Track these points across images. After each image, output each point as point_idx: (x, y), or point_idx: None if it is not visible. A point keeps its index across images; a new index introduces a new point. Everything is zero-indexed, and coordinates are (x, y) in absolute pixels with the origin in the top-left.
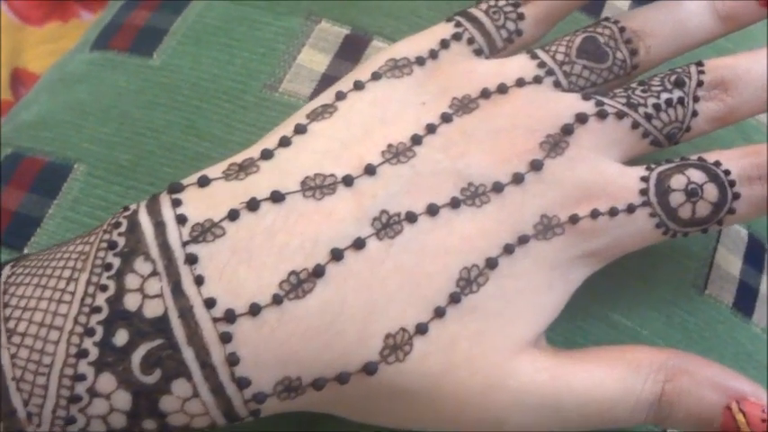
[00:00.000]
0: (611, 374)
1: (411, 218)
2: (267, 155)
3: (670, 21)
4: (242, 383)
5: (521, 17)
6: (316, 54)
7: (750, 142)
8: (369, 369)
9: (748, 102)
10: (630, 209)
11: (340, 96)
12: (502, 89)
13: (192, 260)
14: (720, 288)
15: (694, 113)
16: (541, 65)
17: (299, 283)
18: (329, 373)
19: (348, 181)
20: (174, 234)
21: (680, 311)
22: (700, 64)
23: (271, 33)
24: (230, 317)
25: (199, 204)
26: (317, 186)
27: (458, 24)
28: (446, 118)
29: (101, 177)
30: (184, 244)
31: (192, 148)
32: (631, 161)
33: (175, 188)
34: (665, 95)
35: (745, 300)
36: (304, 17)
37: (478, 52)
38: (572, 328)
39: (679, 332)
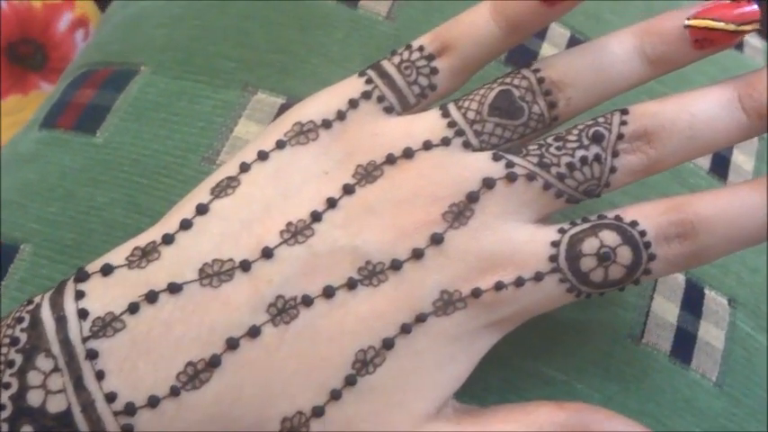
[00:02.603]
0: None
1: (307, 301)
2: (168, 240)
3: (593, 68)
4: None
5: (434, 71)
6: (251, 125)
7: (685, 186)
8: None
9: (673, 153)
10: (538, 277)
11: (244, 168)
12: (408, 154)
13: (92, 355)
14: (657, 336)
15: (612, 169)
16: (451, 124)
17: (196, 374)
18: None
19: (245, 266)
20: (74, 329)
21: (616, 363)
22: (624, 111)
23: (209, 107)
24: (130, 410)
25: (101, 295)
26: (214, 273)
27: (368, 81)
28: (348, 190)
29: (46, 257)
30: (85, 339)
31: (134, 225)
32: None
33: (81, 277)
34: (580, 153)
35: (683, 347)
36: (241, 89)
37: (389, 110)
38: (505, 387)
39: (616, 384)
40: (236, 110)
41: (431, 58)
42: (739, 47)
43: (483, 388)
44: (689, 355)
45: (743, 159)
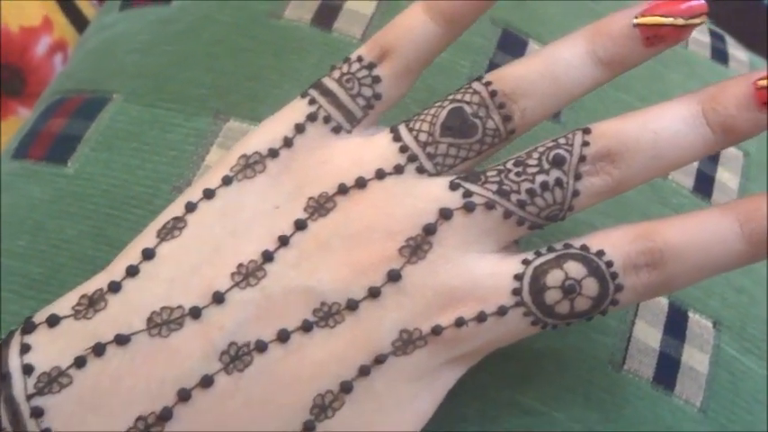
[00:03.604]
0: None
1: (261, 347)
2: (115, 288)
3: (547, 77)
4: None
5: (376, 80)
6: (223, 153)
7: (668, 206)
8: None
9: (638, 173)
10: (502, 311)
11: (190, 208)
12: (360, 183)
13: (37, 414)
14: (639, 362)
15: (575, 193)
16: (403, 149)
17: (147, 429)
18: None
19: (195, 313)
20: (18, 387)
21: (597, 390)
22: (586, 131)
23: (181, 135)
24: None
25: (47, 348)
26: (163, 322)
27: (312, 101)
28: (300, 225)
29: (15, 292)
30: (29, 397)
31: (104, 258)
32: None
33: (27, 328)
34: (540, 178)
35: (666, 372)
36: (212, 116)
37: (337, 129)
38: (482, 417)
39: (596, 412)
40: (208, 138)
41: (371, 66)
42: (724, 61)
43: (460, 419)
44: (672, 381)
45: (728, 177)
